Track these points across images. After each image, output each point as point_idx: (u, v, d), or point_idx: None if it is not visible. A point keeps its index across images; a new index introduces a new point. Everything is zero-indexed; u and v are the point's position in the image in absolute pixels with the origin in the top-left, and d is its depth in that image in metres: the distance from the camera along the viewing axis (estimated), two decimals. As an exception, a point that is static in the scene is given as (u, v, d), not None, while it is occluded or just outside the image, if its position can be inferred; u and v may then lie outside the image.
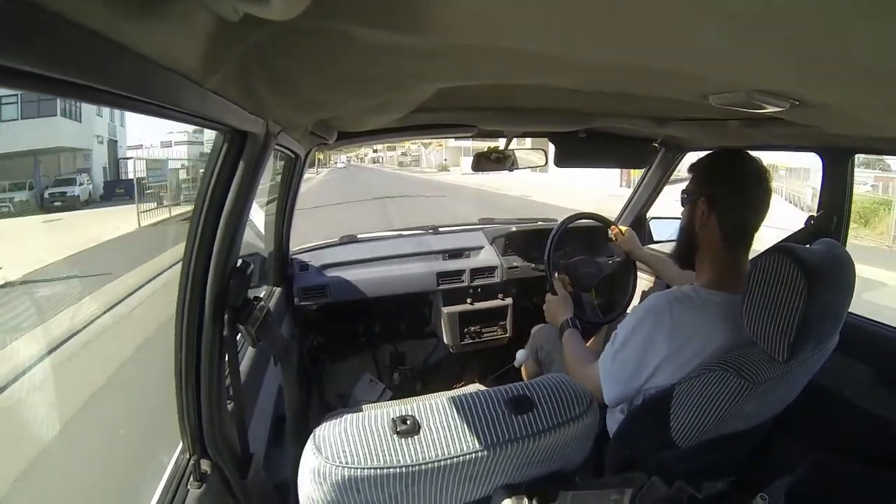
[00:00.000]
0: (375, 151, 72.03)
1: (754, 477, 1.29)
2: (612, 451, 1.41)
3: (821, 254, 1.16)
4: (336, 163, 61.41)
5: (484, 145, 2.75)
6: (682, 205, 1.43)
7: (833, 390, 1.57)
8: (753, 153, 1.38)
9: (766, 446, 1.51)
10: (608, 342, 1.41)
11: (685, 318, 1.27)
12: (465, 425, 0.89)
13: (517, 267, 2.81)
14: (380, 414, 0.89)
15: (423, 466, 0.85)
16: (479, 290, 2.76)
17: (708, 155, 1.43)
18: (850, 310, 1.26)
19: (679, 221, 1.47)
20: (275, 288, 2.35)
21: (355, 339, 2.80)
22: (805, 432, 1.56)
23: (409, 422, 0.87)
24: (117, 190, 12.35)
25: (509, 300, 2.80)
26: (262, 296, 2.13)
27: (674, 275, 2.09)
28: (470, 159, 2.43)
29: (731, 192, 1.32)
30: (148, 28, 0.50)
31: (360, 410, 0.91)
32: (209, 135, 1.08)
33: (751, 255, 1.32)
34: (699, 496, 1.02)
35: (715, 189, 1.34)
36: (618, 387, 1.35)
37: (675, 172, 2.65)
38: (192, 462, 1.08)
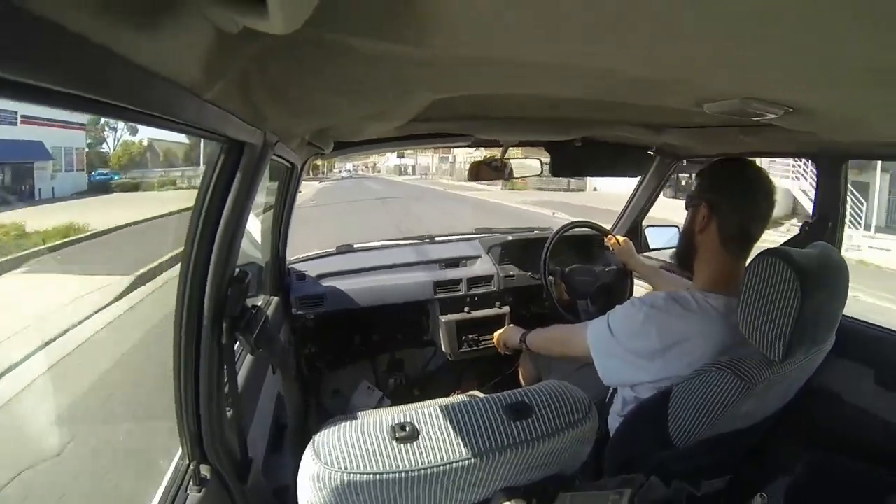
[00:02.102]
0: (402, 157, 51.67)
1: (753, 477, 1.29)
2: (611, 452, 1.42)
3: (814, 256, 1.18)
4: (340, 171, 49.56)
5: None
6: (686, 208, 1.46)
7: (831, 392, 1.58)
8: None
9: (765, 447, 1.52)
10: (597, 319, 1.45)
11: (680, 317, 1.28)
12: (464, 431, 0.89)
13: (514, 276, 2.81)
14: (378, 420, 0.89)
15: (421, 472, 0.85)
16: (476, 298, 2.76)
17: (713, 162, 1.45)
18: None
19: (674, 229, 1.49)
20: (272, 297, 2.35)
21: (353, 347, 2.79)
22: (804, 433, 1.56)
23: (407, 428, 0.87)
24: None
25: (506, 308, 2.80)
26: (259, 304, 2.14)
27: (666, 285, 2.11)
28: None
29: (732, 200, 1.34)
30: (148, 40, 0.50)
31: (359, 417, 0.92)
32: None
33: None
34: (697, 495, 1.02)
35: (716, 195, 1.36)
36: (613, 369, 1.39)
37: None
38: (191, 467, 1.08)
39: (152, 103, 0.59)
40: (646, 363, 1.30)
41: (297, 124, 1.26)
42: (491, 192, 25.48)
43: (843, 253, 1.56)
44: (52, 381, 3.74)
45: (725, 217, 1.34)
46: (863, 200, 13.31)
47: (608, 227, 2.83)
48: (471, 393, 2.75)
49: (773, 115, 1.02)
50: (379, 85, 0.98)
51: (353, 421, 0.89)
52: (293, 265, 2.64)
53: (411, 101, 1.19)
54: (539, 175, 2.59)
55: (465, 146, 2.34)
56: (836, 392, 1.59)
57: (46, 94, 0.42)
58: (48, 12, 0.38)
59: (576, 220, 2.68)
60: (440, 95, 1.13)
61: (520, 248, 2.89)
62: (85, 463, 2.91)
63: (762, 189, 1.33)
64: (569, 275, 2.58)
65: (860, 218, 13.46)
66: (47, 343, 4.21)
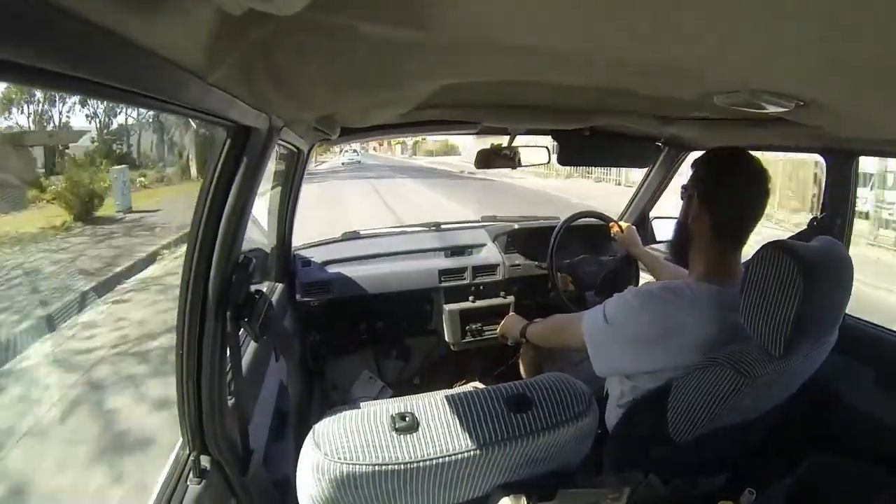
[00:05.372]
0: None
1: (753, 476, 1.29)
2: (611, 448, 1.43)
3: (818, 250, 1.17)
4: (342, 152, 34.97)
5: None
6: (681, 199, 1.46)
7: (833, 391, 1.57)
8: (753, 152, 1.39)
9: (765, 446, 1.51)
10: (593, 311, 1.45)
11: (674, 306, 1.29)
12: (464, 423, 0.89)
13: (519, 265, 2.80)
14: (379, 410, 0.89)
15: (421, 464, 0.85)
16: (480, 287, 2.76)
17: (706, 152, 1.45)
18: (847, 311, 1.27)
19: None
20: (277, 284, 2.35)
21: (357, 335, 2.80)
22: (805, 433, 1.56)
23: (408, 419, 0.88)
24: None
25: (511, 298, 2.80)
26: (264, 291, 2.14)
27: (667, 276, 2.11)
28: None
29: (723, 190, 1.34)
30: (151, 22, 0.50)
31: (360, 407, 0.92)
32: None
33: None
34: (696, 493, 1.02)
35: (708, 185, 1.36)
36: (606, 357, 1.39)
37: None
38: (192, 458, 1.08)
39: (156, 86, 0.58)
40: (640, 349, 1.31)
41: (303, 109, 1.25)
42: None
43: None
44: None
45: (717, 206, 1.34)
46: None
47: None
48: (472, 384, 2.76)
49: (783, 109, 1.01)
50: (384, 70, 0.97)
51: (354, 411, 0.89)
52: (298, 251, 2.64)
53: (417, 87, 1.18)
54: (546, 164, 2.57)
55: (471, 133, 2.33)
56: (837, 391, 1.58)
57: (50, 77, 0.42)
58: None
59: (582, 210, 2.67)
60: (446, 81, 1.12)
61: (526, 237, 2.87)
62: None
63: (754, 178, 1.32)
64: (575, 265, 2.57)
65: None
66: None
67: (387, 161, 38.10)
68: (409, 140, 38.76)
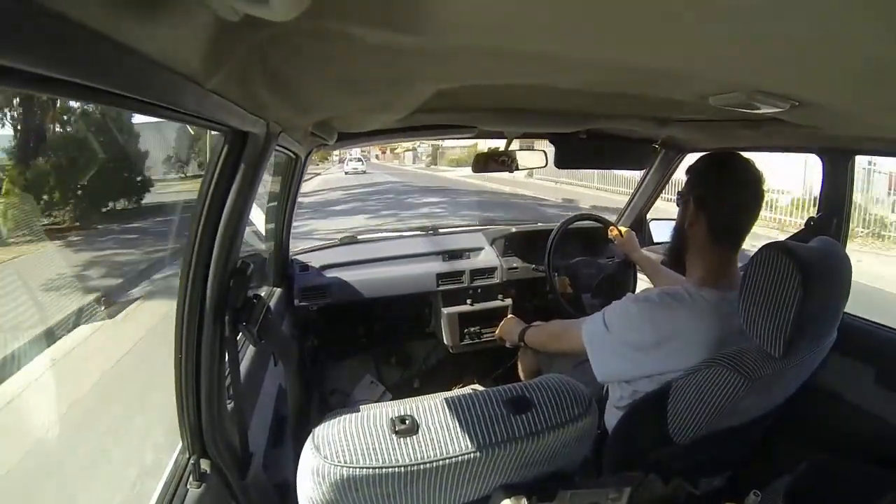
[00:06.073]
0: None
1: (753, 476, 1.29)
2: (611, 449, 1.42)
3: (816, 251, 1.18)
4: (344, 161, 30.33)
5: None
6: (677, 205, 1.46)
7: (832, 391, 1.58)
8: (748, 155, 1.39)
9: (766, 446, 1.51)
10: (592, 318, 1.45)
11: (673, 311, 1.29)
12: (464, 425, 0.89)
13: (517, 268, 2.81)
14: (378, 413, 0.89)
15: (421, 466, 0.85)
16: (478, 290, 2.76)
17: (700, 157, 1.45)
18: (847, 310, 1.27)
19: None
20: (275, 288, 2.35)
21: (355, 339, 2.80)
22: (805, 433, 1.56)
23: (407, 421, 0.88)
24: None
25: (509, 301, 2.80)
26: (262, 296, 2.14)
27: (665, 281, 2.11)
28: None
29: (719, 194, 1.34)
30: (149, 28, 0.50)
31: (360, 410, 0.92)
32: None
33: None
34: (696, 493, 1.03)
35: (703, 190, 1.37)
36: (607, 364, 1.40)
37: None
38: (191, 461, 1.08)
39: (154, 92, 0.59)
40: (640, 356, 1.31)
41: (300, 115, 1.26)
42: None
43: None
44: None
45: (713, 210, 1.34)
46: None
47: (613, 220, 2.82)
48: (471, 386, 2.76)
49: (779, 109, 1.01)
50: (380, 76, 0.97)
51: (354, 414, 0.89)
52: (296, 256, 2.64)
53: (414, 92, 1.18)
54: (543, 167, 2.58)
55: (468, 138, 2.34)
56: (836, 390, 1.58)
57: (47, 82, 0.42)
58: (50, 1, 0.37)
59: (580, 212, 2.68)
60: (443, 86, 1.12)
61: (523, 241, 2.88)
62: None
63: (748, 180, 1.33)
64: (572, 268, 2.58)
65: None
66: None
67: (401, 173, 28.83)
68: (423, 146, 31.73)
